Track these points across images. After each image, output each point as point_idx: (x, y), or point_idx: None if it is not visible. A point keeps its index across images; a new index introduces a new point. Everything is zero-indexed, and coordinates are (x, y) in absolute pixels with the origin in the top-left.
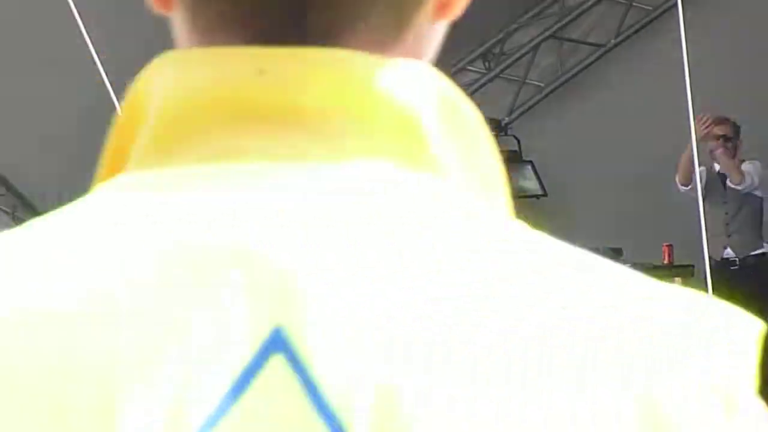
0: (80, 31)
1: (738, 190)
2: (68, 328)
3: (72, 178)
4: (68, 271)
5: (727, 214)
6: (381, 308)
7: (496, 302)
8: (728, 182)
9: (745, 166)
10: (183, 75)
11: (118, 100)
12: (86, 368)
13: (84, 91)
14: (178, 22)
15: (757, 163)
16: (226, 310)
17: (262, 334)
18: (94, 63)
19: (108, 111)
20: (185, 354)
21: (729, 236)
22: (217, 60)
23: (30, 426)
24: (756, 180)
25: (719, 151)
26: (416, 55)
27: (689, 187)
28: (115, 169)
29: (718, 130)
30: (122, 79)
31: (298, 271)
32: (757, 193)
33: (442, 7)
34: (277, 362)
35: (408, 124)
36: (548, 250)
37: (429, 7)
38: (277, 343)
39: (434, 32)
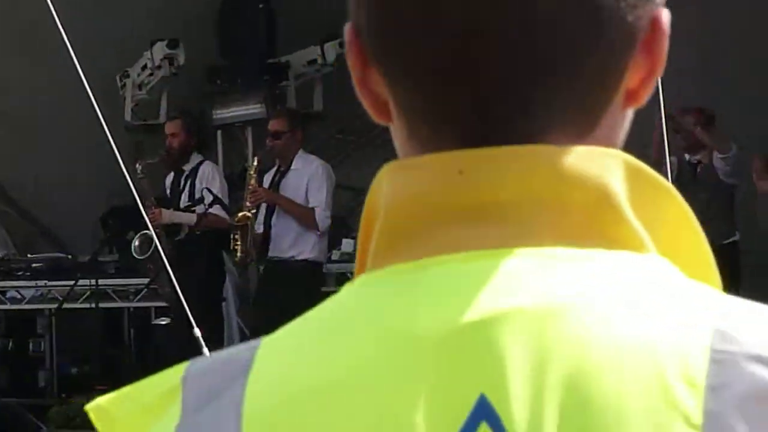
0: (53, 16)
1: (709, 181)
2: (329, 407)
3: (39, 160)
4: (326, 356)
5: (699, 203)
6: (578, 376)
7: None
8: (699, 172)
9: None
10: (400, 181)
11: (89, 84)
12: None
13: (54, 74)
14: (398, 130)
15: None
16: (436, 382)
17: (470, 403)
18: (69, 53)
19: (78, 96)
20: (403, 426)
21: (702, 225)
22: (426, 166)
23: None
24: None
25: (698, 129)
26: (609, 139)
27: None
28: (363, 263)
29: (686, 124)
30: (94, 64)
31: (503, 340)
32: (729, 181)
33: (631, 97)
34: (483, 430)
35: (599, 206)
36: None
37: (620, 98)
38: (482, 411)
39: (624, 119)
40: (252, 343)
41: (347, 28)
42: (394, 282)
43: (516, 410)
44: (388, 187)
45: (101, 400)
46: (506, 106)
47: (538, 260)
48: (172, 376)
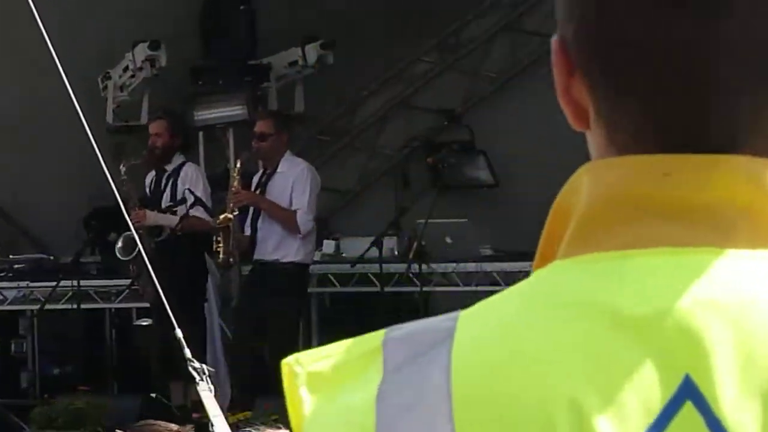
0: (37, 23)
1: None
2: (539, 369)
3: (21, 161)
4: (531, 329)
5: None
6: None
7: None
8: None
9: None
10: (602, 179)
11: (71, 86)
12: (551, 402)
13: (36, 75)
14: (596, 137)
15: None
16: (642, 362)
17: (675, 382)
18: (50, 54)
19: (60, 97)
20: (611, 400)
21: None
22: (630, 166)
23: None
24: None
25: None
26: None
27: None
28: (549, 253)
29: None
30: (76, 65)
31: (707, 327)
32: None
33: None
34: (688, 408)
35: None
36: None
37: None
38: (687, 390)
39: None
40: (449, 315)
41: (554, 41)
42: (596, 268)
43: (720, 392)
44: (589, 184)
45: (299, 356)
46: (707, 117)
47: (734, 259)
48: (371, 340)
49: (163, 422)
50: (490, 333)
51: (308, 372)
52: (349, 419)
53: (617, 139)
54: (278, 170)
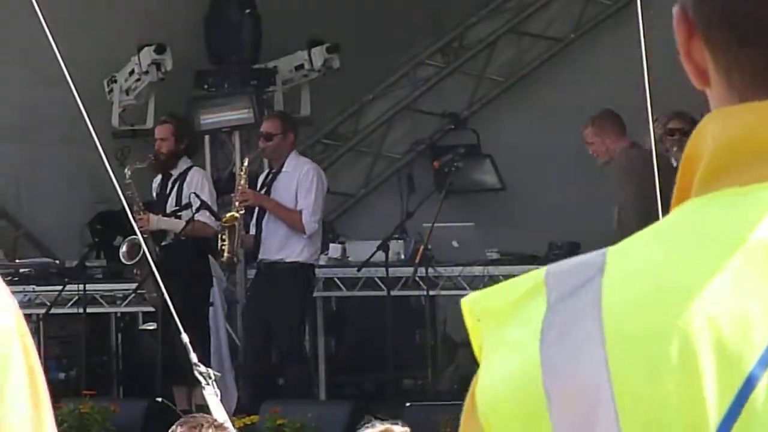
0: (42, 28)
1: None
2: (685, 299)
3: (26, 165)
4: (673, 262)
5: None
6: None
7: None
8: None
9: None
10: (729, 123)
11: (76, 89)
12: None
13: (42, 79)
14: (716, 89)
15: None
16: None
17: None
18: (56, 58)
19: (65, 100)
20: (742, 319)
21: None
22: (752, 111)
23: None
24: None
25: (675, 149)
26: None
27: None
28: (684, 197)
29: (674, 124)
30: (82, 69)
31: None
32: None
33: None
34: None
35: None
36: None
37: None
38: None
39: None
40: (599, 251)
41: (675, 10)
42: (726, 201)
43: None
44: (715, 129)
45: (474, 294)
46: None
47: None
48: (536, 275)
49: (202, 414)
50: (635, 267)
51: (482, 308)
52: (519, 349)
53: (736, 88)
54: (284, 170)
